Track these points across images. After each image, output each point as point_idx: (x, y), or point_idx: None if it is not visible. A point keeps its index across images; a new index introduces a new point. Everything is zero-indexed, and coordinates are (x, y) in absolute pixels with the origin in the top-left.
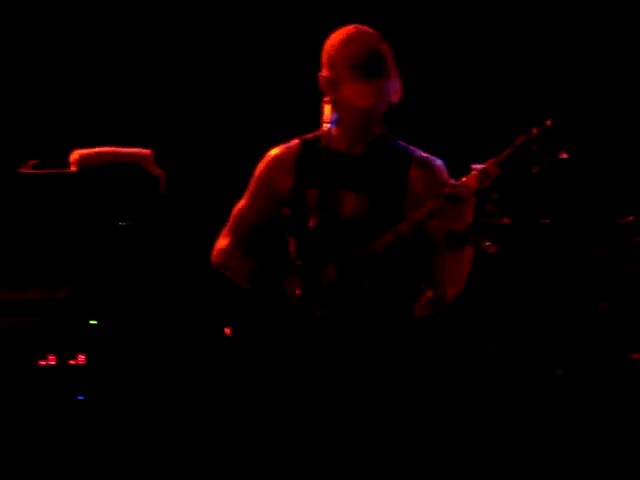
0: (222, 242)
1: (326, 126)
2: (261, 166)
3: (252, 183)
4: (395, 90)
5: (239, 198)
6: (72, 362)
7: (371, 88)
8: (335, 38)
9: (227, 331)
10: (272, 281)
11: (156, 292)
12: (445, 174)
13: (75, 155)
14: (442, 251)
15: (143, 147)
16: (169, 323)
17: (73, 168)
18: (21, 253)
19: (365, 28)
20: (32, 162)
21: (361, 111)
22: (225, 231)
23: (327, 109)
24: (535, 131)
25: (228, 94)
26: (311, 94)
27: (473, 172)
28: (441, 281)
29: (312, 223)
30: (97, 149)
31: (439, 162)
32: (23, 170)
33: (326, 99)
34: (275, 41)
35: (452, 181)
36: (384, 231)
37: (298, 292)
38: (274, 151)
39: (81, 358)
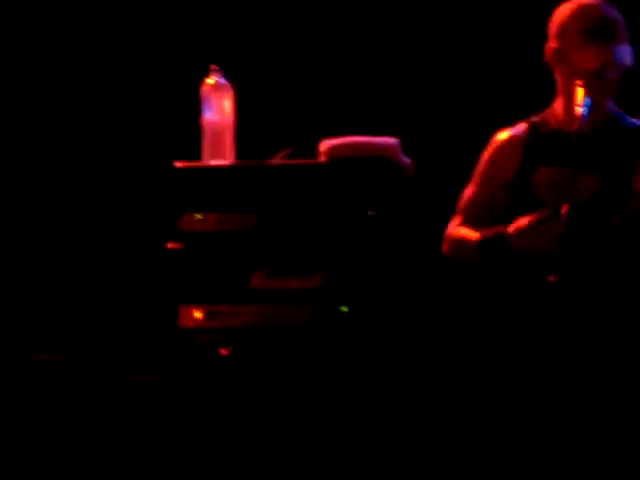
0: (450, 229)
1: (579, 110)
2: (488, 151)
3: (478, 168)
4: (626, 54)
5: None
6: None
7: (602, 50)
8: (566, 8)
9: None
10: (502, 250)
11: (399, 281)
12: None
13: (325, 145)
14: None
15: (391, 134)
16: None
17: (322, 158)
18: (274, 243)
19: None
20: (285, 151)
21: (592, 77)
22: (453, 219)
23: (580, 93)
24: None
25: (467, 79)
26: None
27: None
28: None
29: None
30: (345, 139)
31: None
32: (275, 160)
33: (579, 82)
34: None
35: None
36: (615, 211)
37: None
38: (500, 135)
39: None
